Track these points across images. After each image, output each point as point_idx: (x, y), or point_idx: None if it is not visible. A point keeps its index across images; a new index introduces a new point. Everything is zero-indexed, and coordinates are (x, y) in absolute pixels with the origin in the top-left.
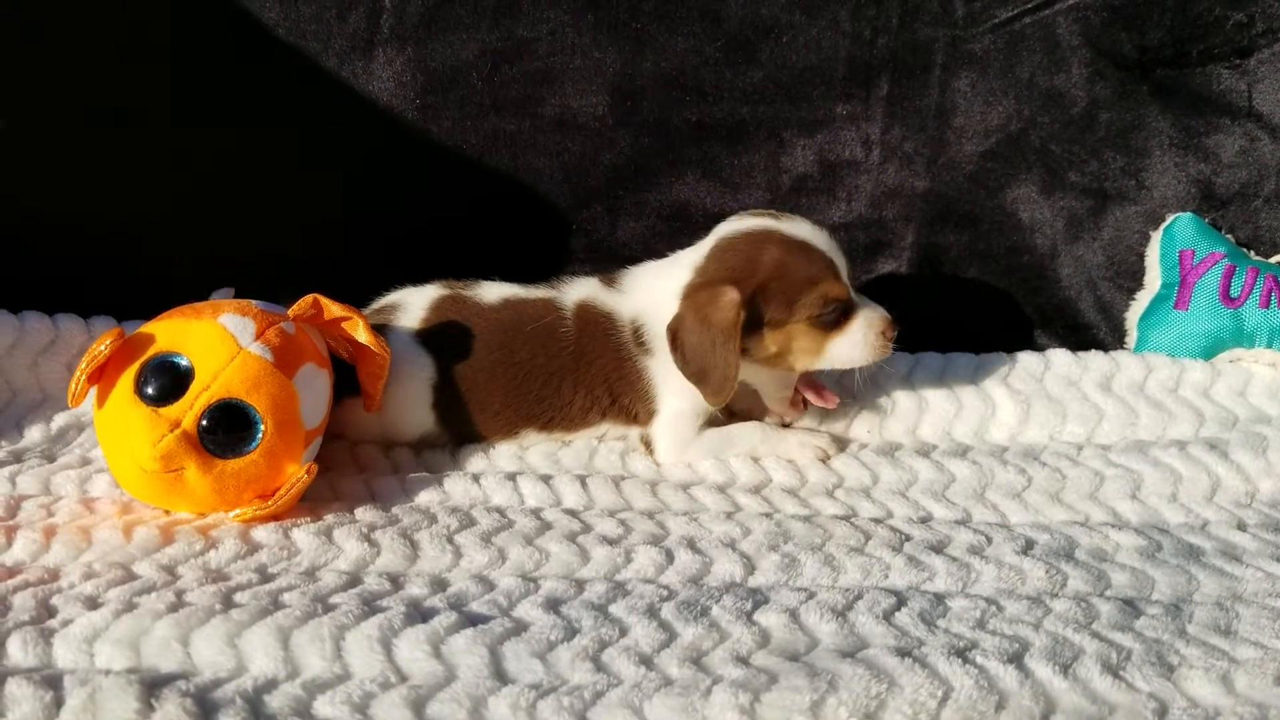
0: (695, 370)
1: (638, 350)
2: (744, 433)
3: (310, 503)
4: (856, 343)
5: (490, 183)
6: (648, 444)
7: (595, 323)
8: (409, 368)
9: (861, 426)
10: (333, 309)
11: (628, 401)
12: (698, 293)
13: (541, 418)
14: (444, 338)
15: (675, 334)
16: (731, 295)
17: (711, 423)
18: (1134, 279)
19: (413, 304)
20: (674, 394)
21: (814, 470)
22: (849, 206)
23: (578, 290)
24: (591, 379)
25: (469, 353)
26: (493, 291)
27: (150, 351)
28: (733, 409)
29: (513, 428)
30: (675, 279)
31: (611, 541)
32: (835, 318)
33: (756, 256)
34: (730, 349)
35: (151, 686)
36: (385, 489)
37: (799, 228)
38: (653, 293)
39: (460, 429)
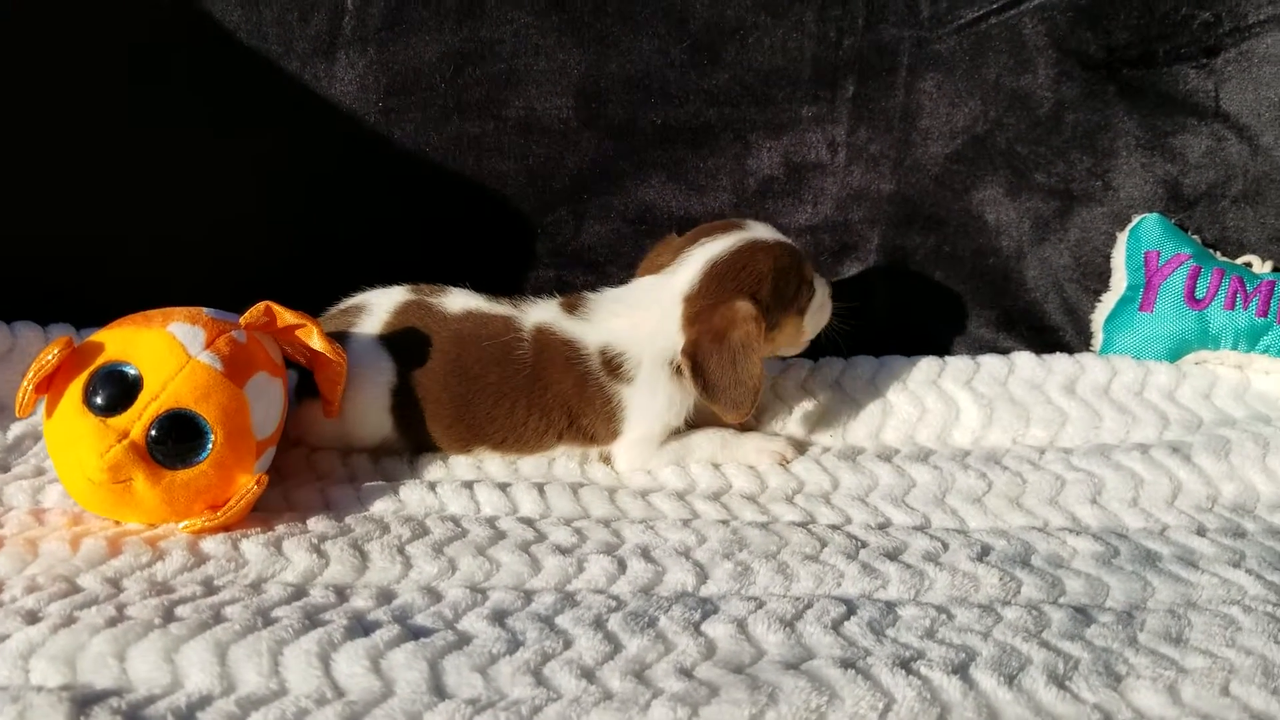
0: (722, 392)
1: (610, 378)
2: (703, 440)
3: (263, 513)
4: (825, 310)
5: (454, 186)
6: (608, 460)
7: (554, 349)
8: (369, 370)
9: (824, 430)
10: (286, 316)
11: (587, 423)
12: (710, 315)
13: (494, 437)
14: (405, 343)
15: (695, 360)
16: (749, 309)
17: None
18: (1100, 280)
19: (378, 306)
20: (644, 419)
21: (774, 476)
22: (815, 209)
23: (538, 313)
24: (548, 403)
25: (426, 361)
26: (457, 301)
27: (99, 361)
28: (688, 420)
29: (466, 443)
30: (664, 306)
31: (564, 551)
32: (808, 297)
33: (754, 266)
34: (756, 361)
35: (83, 704)
36: (340, 498)
37: (766, 229)
38: (634, 322)
39: (417, 438)
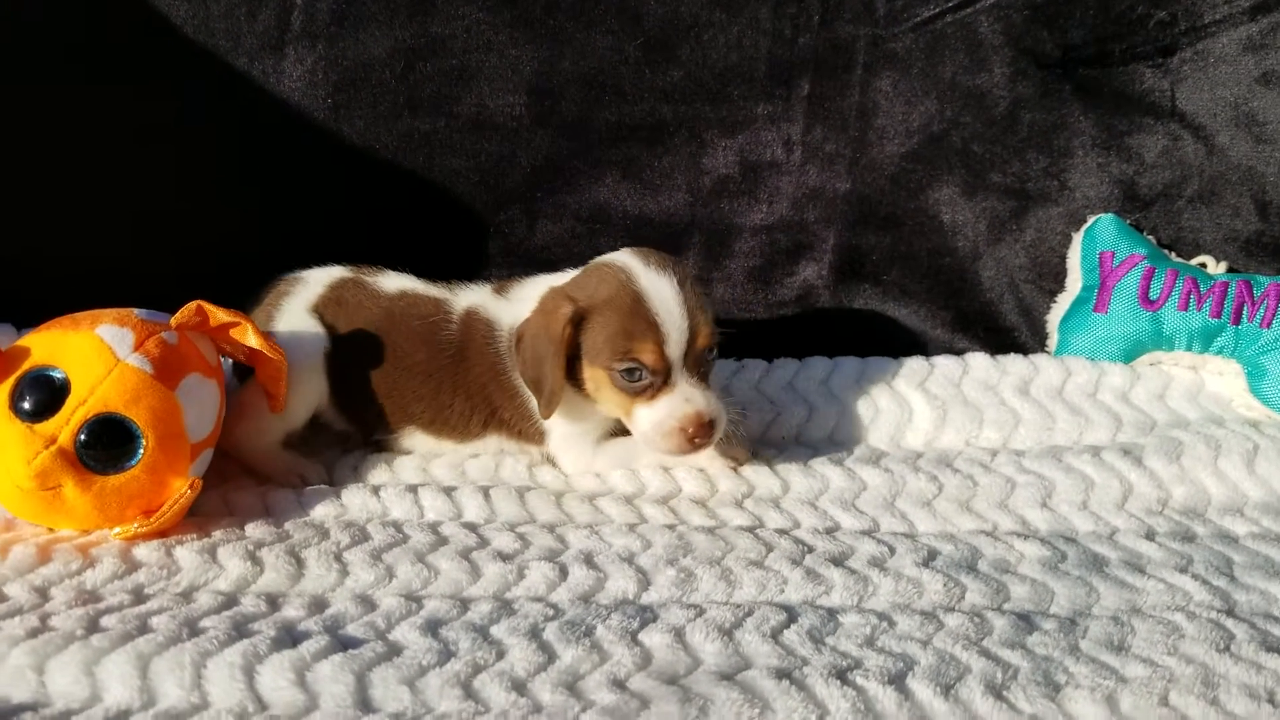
0: (531, 377)
1: (512, 363)
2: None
3: (200, 518)
4: (654, 422)
5: (405, 184)
6: (553, 462)
7: (477, 329)
8: (305, 338)
9: (778, 432)
10: (219, 315)
11: (509, 416)
12: (547, 302)
13: (422, 417)
14: (338, 315)
15: (520, 337)
16: (566, 309)
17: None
18: (1056, 281)
19: (314, 280)
20: (557, 415)
21: (725, 480)
22: (770, 208)
23: (470, 296)
24: (469, 385)
25: (358, 336)
26: (393, 281)
27: (26, 365)
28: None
29: (397, 421)
30: (546, 289)
31: (506, 557)
32: (642, 386)
33: (597, 286)
34: (555, 362)
35: None
36: (281, 503)
37: (655, 281)
38: (528, 303)
39: (351, 413)
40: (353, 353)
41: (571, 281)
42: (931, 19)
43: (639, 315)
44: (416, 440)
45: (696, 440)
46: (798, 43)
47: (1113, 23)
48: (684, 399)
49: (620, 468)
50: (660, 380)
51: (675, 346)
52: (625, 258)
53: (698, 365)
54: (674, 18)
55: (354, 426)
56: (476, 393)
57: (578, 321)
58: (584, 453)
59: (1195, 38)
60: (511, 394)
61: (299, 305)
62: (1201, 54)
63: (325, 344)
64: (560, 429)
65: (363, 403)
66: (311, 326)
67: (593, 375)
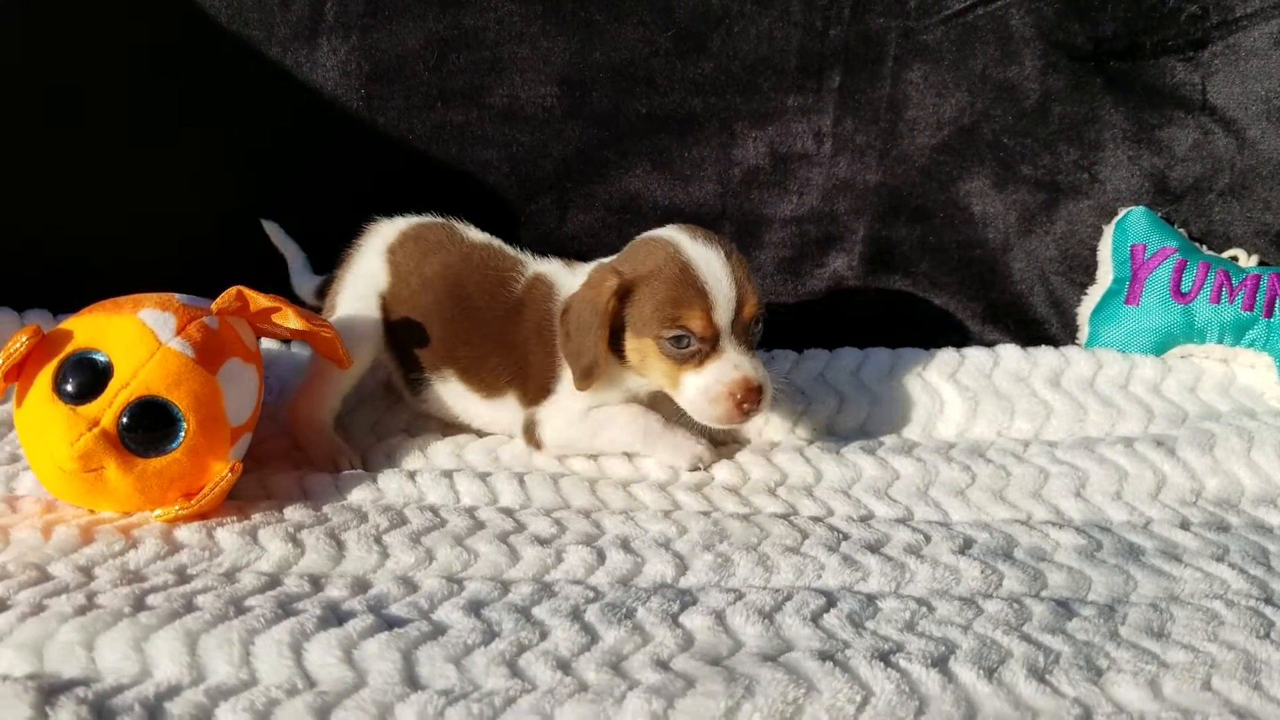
0: (572, 348)
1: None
2: (626, 419)
3: (239, 500)
4: (702, 388)
5: (437, 174)
6: (530, 429)
7: (539, 289)
8: (356, 320)
9: (810, 422)
10: (259, 300)
11: (534, 372)
12: (594, 276)
13: (461, 360)
14: (411, 254)
15: (567, 309)
16: (612, 282)
17: None
18: (1086, 273)
19: (398, 223)
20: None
21: (757, 467)
22: (800, 200)
23: (544, 264)
24: (511, 340)
25: (430, 272)
26: (480, 235)
27: (69, 348)
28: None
29: (438, 361)
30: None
31: (543, 541)
32: (690, 353)
33: (644, 259)
34: (599, 334)
35: (49, 693)
36: (318, 486)
37: (703, 251)
38: (583, 276)
39: (398, 348)
40: (421, 287)
41: (619, 256)
42: (963, 11)
43: (687, 283)
44: (447, 389)
45: (745, 406)
46: (829, 35)
47: (1144, 16)
48: (733, 365)
49: (586, 443)
50: (708, 348)
51: (723, 314)
52: (671, 232)
53: (745, 334)
54: (705, 9)
55: (398, 363)
56: (516, 347)
57: (624, 294)
58: (570, 424)
59: (1226, 31)
60: (547, 352)
61: (376, 245)
62: (1233, 47)
63: (383, 295)
64: (565, 397)
65: (416, 337)
66: (379, 267)
67: (639, 346)
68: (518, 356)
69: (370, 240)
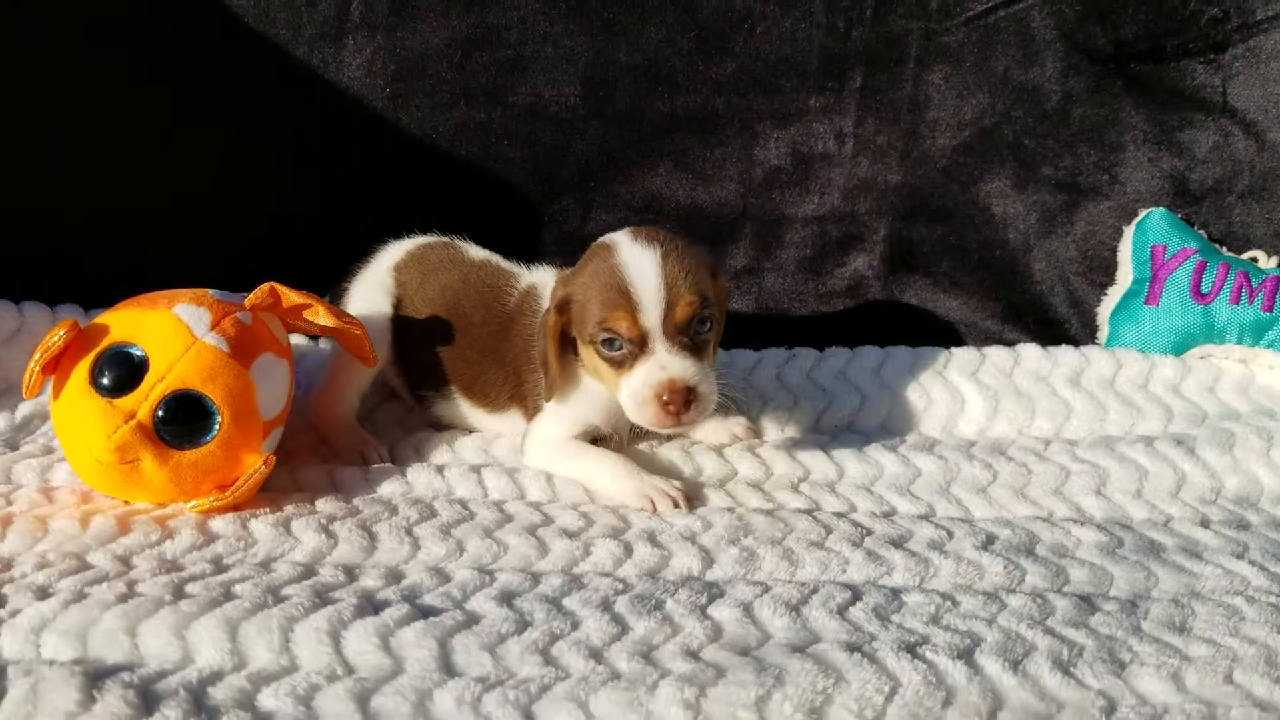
0: (540, 360)
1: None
2: (598, 455)
3: (271, 493)
4: (630, 391)
5: (461, 172)
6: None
7: (530, 304)
8: (369, 316)
9: (831, 419)
10: (291, 297)
11: (528, 388)
12: (554, 289)
13: (462, 379)
14: (414, 274)
15: (543, 321)
16: (560, 294)
17: None
18: (1106, 274)
19: (405, 243)
20: (564, 399)
21: (780, 463)
22: (821, 199)
23: (538, 274)
24: (506, 355)
25: (432, 292)
26: (480, 253)
27: (105, 342)
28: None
29: (442, 380)
30: None
31: (571, 534)
32: (622, 355)
33: (583, 265)
34: (551, 348)
35: (95, 678)
36: (348, 479)
37: (635, 253)
38: None
39: (405, 365)
40: (423, 306)
41: (575, 267)
42: (984, 13)
43: (612, 286)
44: (453, 406)
45: (671, 408)
46: (850, 36)
47: (1165, 19)
48: (659, 366)
49: (571, 473)
50: (638, 349)
51: (650, 315)
52: (616, 235)
53: (679, 335)
54: (727, 10)
55: (404, 381)
56: (510, 363)
57: (564, 306)
58: (548, 440)
59: (1247, 34)
60: (533, 368)
61: (383, 263)
62: (1253, 50)
63: (389, 313)
64: (547, 413)
65: (419, 356)
66: (386, 284)
67: (586, 354)
68: (512, 372)
69: (378, 259)
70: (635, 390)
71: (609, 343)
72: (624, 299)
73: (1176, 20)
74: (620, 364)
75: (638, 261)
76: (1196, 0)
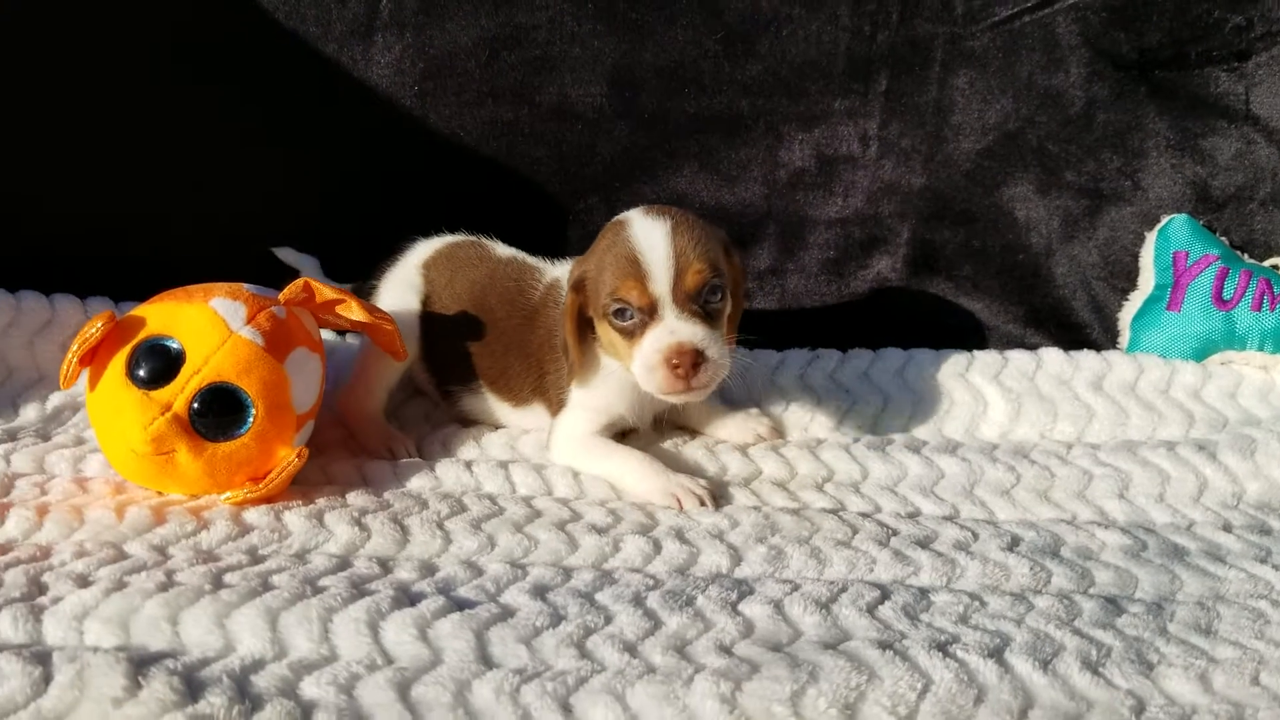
0: (560, 345)
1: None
2: (625, 453)
3: (302, 486)
4: (641, 358)
5: (487, 171)
6: (549, 437)
7: (553, 296)
8: (399, 313)
9: (855, 420)
10: (325, 292)
11: (549, 381)
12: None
13: (488, 373)
14: (443, 271)
15: (567, 307)
16: (576, 273)
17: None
18: (1128, 279)
19: (434, 241)
20: (585, 384)
21: (804, 463)
22: (845, 202)
23: (562, 268)
24: (529, 347)
25: (459, 288)
26: (507, 250)
27: (142, 334)
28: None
29: (468, 375)
30: None
31: (600, 530)
32: (633, 325)
33: (596, 244)
34: (570, 328)
35: (139, 664)
36: (377, 474)
37: (645, 226)
38: None
39: (432, 361)
40: (451, 302)
41: (590, 247)
42: (1009, 18)
43: (623, 256)
44: (479, 400)
45: (679, 370)
46: (876, 39)
47: (1189, 26)
48: (669, 331)
49: (598, 471)
50: (648, 317)
51: (660, 283)
52: (630, 212)
53: (689, 303)
54: (754, 12)
55: (431, 376)
56: (533, 355)
57: (579, 286)
58: (574, 437)
59: (1271, 42)
60: (556, 360)
61: (411, 260)
62: (1276, 59)
63: (417, 310)
64: (572, 407)
65: (447, 351)
66: (414, 281)
67: (602, 330)
68: (535, 364)
69: (406, 257)
70: (645, 355)
71: (620, 313)
72: (634, 268)
73: (1201, 28)
74: (632, 334)
75: (647, 233)
76: (1221, 8)
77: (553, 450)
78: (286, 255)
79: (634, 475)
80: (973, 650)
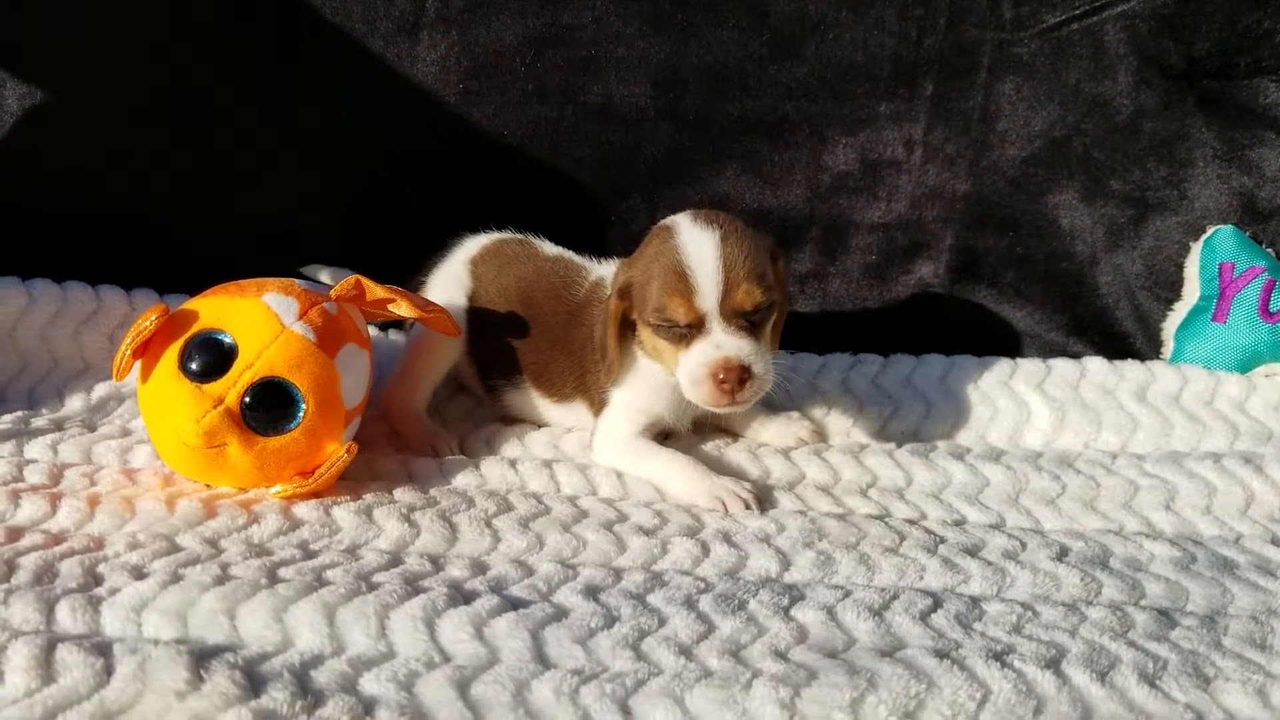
0: (599, 345)
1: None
2: (669, 455)
3: (349, 481)
4: (686, 369)
5: (530, 170)
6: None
7: (598, 294)
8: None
9: (897, 426)
10: (376, 290)
11: (591, 380)
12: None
13: (532, 368)
14: (490, 267)
15: (604, 306)
16: (621, 279)
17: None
18: (1172, 289)
19: (482, 238)
20: (626, 386)
21: (848, 469)
22: (889, 206)
23: (608, 267)
24: (572, 344)
25: (507, 284)
26: (554, 249)
27: (194, 328)
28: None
29: (513, 369)
30: None
31: (648, 532)
32: (680, 335)
33: (644, 249)
34: (611, 330)
35: (201, 657)
36: (423, 470)
37: (695, 236)
38: None
39: (477, 355)
40: (497, 298)
41: (637, 250)
42: (1058, 25)
43: (672, 269)
44: (522, 395)
45: (726, 386)
46: (923, 44)
47: (1238, 36)
48: (715, 345)
49: (642, 473)
50: (695, 331)
51: (708, 299)
52: (677, 217)
53: (736, 318)
54: (801, 15)
55: (476, 371)
56: (575, 351)
57: (625, 291)
58: (617, 438)
59: None
60: (597, 357)
61: (460, 257)
62: None
63: (464, 305)
64: (613, 408)
65: (492, 346)
66: (461, 277)
67: (645, 334)
68: (577, 361)
69: (455, 253)
70: (691, 369)
71: (664, 323)
72: (682, 283)
73: (1250, 38)
74: (678, 343)
75: (696, 244)
76: (1271, 19)
77: (596, 451)
78: (319, 273)
79: (678, 478)
80: (1029, 661)
